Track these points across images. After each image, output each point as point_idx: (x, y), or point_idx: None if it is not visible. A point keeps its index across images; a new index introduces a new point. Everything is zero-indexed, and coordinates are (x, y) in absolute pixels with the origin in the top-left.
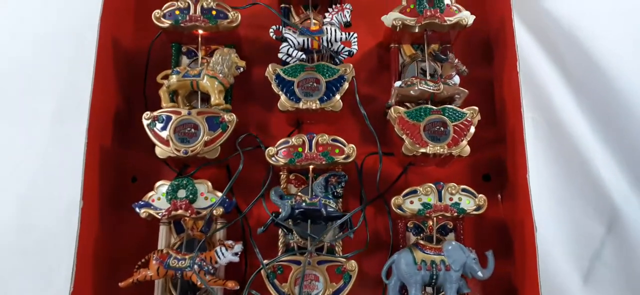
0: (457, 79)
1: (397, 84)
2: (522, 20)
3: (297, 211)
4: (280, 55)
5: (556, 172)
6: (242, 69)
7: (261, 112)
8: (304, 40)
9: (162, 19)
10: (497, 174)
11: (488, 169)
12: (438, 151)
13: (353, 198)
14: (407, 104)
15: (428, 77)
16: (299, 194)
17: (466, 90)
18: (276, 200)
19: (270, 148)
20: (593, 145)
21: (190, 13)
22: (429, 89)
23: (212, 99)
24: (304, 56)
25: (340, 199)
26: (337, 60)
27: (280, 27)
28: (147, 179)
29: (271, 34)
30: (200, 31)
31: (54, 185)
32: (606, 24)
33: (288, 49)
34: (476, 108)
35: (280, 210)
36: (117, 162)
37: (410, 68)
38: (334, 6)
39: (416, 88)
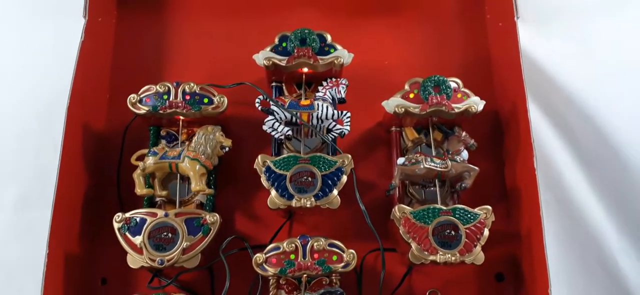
0: (465, 155)
1: (400, 161)
2: (533, 97)
3: None
4: (264, 128)
5: (568, 256)
6: (227, 149)
7: (248, 197)
8: (291, 115)
9: (139, 104)
10: (512, 274)
11: (501, 267)
12: (449, 260)
13: None
14: (407, 184)
15: (434, 153)
16: None
17: (476, 168)
18: None
19: (258, 255)
20: (608, 229)
21: (170, 98)
22: (436, 167)
23: (193, 185)
24: (290, 132)
25: None
26: (329, 138)
27: (268, 97)
28: (119, 280)
29: (257, 105)
30: (182, 117)
31: (14, 281)
32: (621, 102)
33: (273, 123)
34: (489, 208)
35: None
36: (85, 260)
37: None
38: (328, 80)
39: (421, 166)
